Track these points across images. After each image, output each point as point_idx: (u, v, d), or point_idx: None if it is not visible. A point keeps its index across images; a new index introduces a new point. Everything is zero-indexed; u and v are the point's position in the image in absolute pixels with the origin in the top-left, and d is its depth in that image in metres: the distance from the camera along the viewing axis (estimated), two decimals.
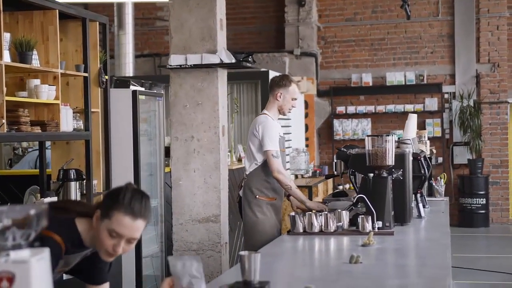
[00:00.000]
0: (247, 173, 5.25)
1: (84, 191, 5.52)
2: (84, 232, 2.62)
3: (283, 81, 5.26)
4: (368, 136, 4.44)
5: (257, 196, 5.14)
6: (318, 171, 10.74)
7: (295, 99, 5.27)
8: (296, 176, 10.15)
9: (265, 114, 5.25)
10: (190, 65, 5.74)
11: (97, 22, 5.81)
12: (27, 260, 1.72)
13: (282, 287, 2.85)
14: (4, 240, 1.74)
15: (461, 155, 12.47)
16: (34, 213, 1.77)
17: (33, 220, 1.77)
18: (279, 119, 5.38)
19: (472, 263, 9.04)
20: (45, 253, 1.78)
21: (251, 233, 5.16)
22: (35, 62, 4.90)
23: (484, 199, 12.14)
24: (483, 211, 12.16)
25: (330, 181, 11.24)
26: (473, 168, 12.17)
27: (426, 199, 5.71)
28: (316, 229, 4.22)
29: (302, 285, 2.67)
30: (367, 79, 12.74)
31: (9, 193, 6.24)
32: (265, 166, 5.13)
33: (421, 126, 12.21)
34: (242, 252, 2.73)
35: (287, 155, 9.71)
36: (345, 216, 4.32)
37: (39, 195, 5.43)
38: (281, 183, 5.05)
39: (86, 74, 5.50)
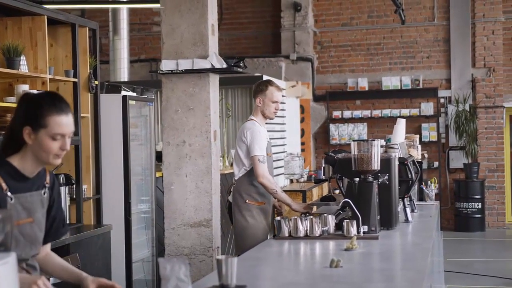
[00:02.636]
0: (236, 178, 5.31)
1: (74, 196, 5.54)
2: (20, 164, 2.65)
3: (260, 86, 5.37)
4: (354, 140, 4.46)
5: (247, 201, 5.20)
6: (313, 176, 10.76)
7: (276, 102, 5.31)
8: (291, 181, 10.17)
9: (252, 120, 5.32)
10: (182, 70, 5.77)
11: (87, 28, 5.84)
12: None
13: None
14: None
15: (457, 160, 12.47)
16: None
17: None
18: (266, 123, 5.43)
19: (467, 267, 9.05)
20: (11, 257, 1.80)
21: (242, 237, 5.19)
22: (23, 67, 4.92)
23: (480, 203, 12.14)
24: (479, 216, 12.16)
25: (325, 185, 11.25)
26: (469, 172, 12.18)
27: (416, 203, 5.72)
28: (302, 233, 4.23)
29: None
30: (363, 83, 12.76)
31: None
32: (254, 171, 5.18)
33: (417, 130, 12.22)
34: (219, 257, 2.76)
35: (280, 159, 9.74)
36: (331, 220, 4.33)
37: None
38: (266, 188, 5.10)
39: (75, 80, 5.53)
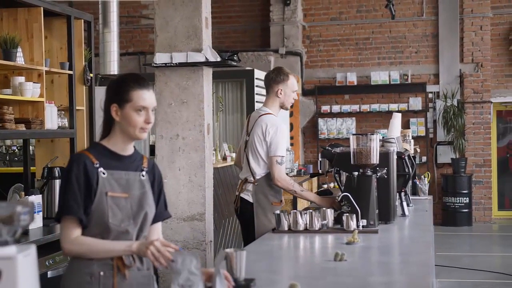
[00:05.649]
0: (257, 177, 4.96)
1: None
2: (110, 143, 2.85)
3: (281, 75, 5.01)
4: (353, 134, 4.46)
5: (273, 203, 4.97)
6: (303, 170, 10.78)
7: (295, 91, 5.05)
8: None
9: (271, 114, 5.00)
10: (176, 63, 5.74)
11: (82, 20, 5.80)
12: (14, 257, 1.72)
13: (267, 284, 2.86)
14: None
15: (445, 154, 12.55)
16: (20, 209, 1.77)
17: (19, 216, 1.78)
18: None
19: (455, 261, 9.10)
20: (32, 249, 1.79)
21: None
22: (20, 59, 4.88)
23: (467, 198, 12.22)
24: (466, 210, 12.24)
25: (315, 179, 11.28)
26: (457, 167, 12.25)
27: (410, 197, 5.74)
28: (301, 227, 4.23)
29: (287, 283, 2.68)
30: (352, 78, 12.79)
31: None
32: None
33: (405, 125, 12.27)
34: (228, 250, 2.75)
35: None
36: (330, 214, 4.34)
37: (23, 193, 5.39)
38: (284, 189, 4.89)
39: (71, 72, 5.49)
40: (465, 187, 12.22)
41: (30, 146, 6.28)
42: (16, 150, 9.28)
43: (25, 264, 1.75)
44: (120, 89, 2.83)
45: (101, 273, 2.75)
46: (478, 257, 9.68)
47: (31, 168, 5.71)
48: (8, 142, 8.80)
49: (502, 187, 13.02)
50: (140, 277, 2.84)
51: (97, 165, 2.77)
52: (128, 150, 2.89)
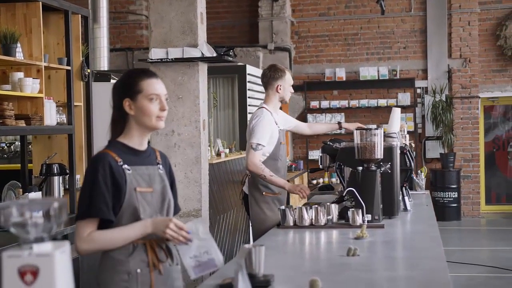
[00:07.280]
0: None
1: (67, 186, 5.46)
2: (127, 139, 2.84)
3: (278, 72, 5.19)
4: (357, 129, 4.45)
5: (264, 193, 5.08)
6: (293, 166, 10.78)
7: (291, 84, 5.27)
8: None
9: (262, 108, 5.16)
10: (172, 58, 5.72)
11: (80, 15, 5.74)
12: (51, 253, 1.70)
13: (284, 280, 2.84)
14: (26, 233, 1.72)
15: (433, 149, 12.60)
16: (56, 206, 1.75)
17: (55, 212, 1.75)
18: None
19: (447, 256, 9.08)
20: (66, 246, 1.76)
21: (261, 230, 5.00)
22: (19, 55, 4.82)
23: (456, 192, 12.28)
24: (455, 205, 12.30)
25: (305, 175, 11.29)
26: (445, 162, 12.31)
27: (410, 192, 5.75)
28: (307, 222, 4.22)
29: (305, 278, 2.67)
30: (341, 74, 12.79)
31: None
32: (268, 161, 5.05)
33: None
34: (247, 245, 2.72)
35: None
36: (334, 209, 4.33)
37: (21, 190, 5.34)
38: (254, 174, 5.00)
39: (69, 68, 5.43)
40: (453, 182, 12.28)
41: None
42: (5, 147, 9.19)
43: (62, 260, 1.72)
44: (129, 83, 2.82)
45: (138, 270, 2.73)
46: (468, 251, 9.74)
47: (29, 165, 5.64)
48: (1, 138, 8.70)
49: (489, 181, 13.10)
50: (172, 272, 2.85)
51: (121, 163, 2.76)
52: (144, 144, 2.88)
